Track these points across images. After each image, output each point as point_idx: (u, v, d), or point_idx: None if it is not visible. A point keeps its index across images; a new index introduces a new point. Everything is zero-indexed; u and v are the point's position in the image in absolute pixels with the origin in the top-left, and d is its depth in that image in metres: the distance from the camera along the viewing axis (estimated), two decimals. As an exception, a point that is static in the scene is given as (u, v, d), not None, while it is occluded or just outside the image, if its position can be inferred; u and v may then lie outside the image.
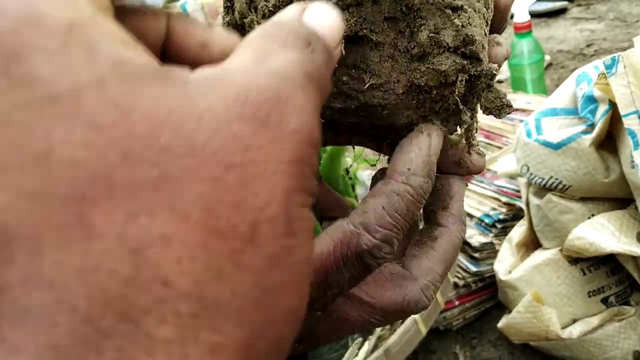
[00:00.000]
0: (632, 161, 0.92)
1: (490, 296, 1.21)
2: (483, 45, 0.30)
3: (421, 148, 0.31)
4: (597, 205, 1.03)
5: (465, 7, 0.29)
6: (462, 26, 0.29)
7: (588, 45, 2.43)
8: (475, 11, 0.30)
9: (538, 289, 1.05)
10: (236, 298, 0.16)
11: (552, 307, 1.04)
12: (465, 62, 0.30)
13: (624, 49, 2.20)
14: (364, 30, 0.30)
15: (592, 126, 0.98)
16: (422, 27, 0.29)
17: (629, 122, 0.91)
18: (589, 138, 0.97)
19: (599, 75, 0.96)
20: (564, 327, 1.04)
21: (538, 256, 1.09)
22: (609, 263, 1.07)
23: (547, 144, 1.01)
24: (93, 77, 0.16)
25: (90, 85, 0.15)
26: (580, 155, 0.98)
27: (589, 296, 1.08)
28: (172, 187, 0.16)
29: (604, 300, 1.08)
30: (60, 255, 0.14)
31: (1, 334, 0.14)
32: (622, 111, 0.92)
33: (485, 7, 0.31)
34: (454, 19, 0.29)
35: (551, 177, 1.02)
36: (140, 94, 0.16)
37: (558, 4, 2.87)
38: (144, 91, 0.16)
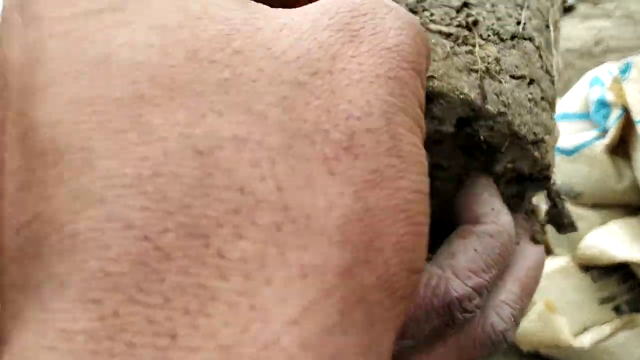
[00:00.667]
0: (646, 168, 0.91)
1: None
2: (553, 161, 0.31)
3: (489, 189, 0.29)
4: (610, 212, 1.02)
5: (545, 138, 0.29)
6: (541, 157, 0.29)
7: (596, 44, 2.41)
8: (551, 135, 0.29)
9: (549, 296, 1.04)
10: (333, 210, 0.13)
11: (563, 315, 1.03)
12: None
13: (633, 48, 2.18)
14: (435, 158, 0.30)
15: (604, 131, 0.97)
16: (500, 159, 0.29)
17: (643, 129, 0.90)
18: (601, 144, 0.95)
19: (612, 79, 0.95)
20: (575, 336, 1.03)
21: (549, 263, 1.08)
22: (620, 270, 1.06)
23: (560, 150, 1.00)
24: None
25: None
26: (593, 162, 0.97)
27: (600, 304, 1.07)
28: (248, 88, 0.14)
29: (616, 308, 1.07)
30: (112, 164, 0.12)
31: (51, 270, 0.12)
32: (635, 117, 0.91)
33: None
34: (534, 151, 0.28)
35: (562, 183, 1.01)
36: (212, 1, 0.15)
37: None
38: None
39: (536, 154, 0.28)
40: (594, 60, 2.27)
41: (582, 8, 2.87)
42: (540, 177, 0.30)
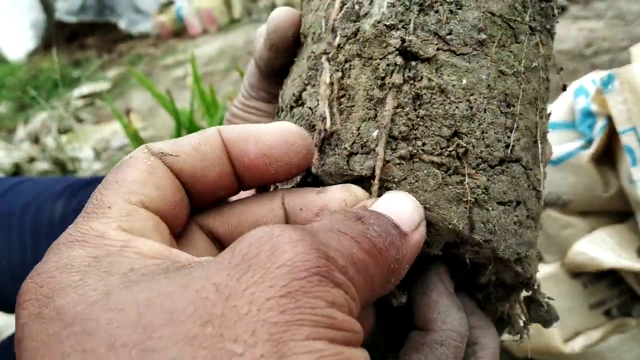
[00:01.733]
0: (630, 177, 0.92)
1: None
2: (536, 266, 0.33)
3: (437, 285, 0.31)
4: (597, 220, 1.04)
5: (528, 254, 0.30)
6: (523, 271, 0.31)
7: (587, 45, 2.42)
8: (534, 247, 0.31)
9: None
10: None
11: None
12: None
13: (624, 49, 2.19)
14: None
15: (590, 141, 0.98)
16: (484, 274, 0.31)
17: (626, 139, 0.91)
18: (587, 153, 0.97)
19: (595, 90, 0.96)
20: (566, 341, 1.04)
21: (539, 270, 1.09)
22: (610, 275, 1.07)
23: (545, 161, 1.01)
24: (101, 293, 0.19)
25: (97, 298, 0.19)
26: (579, 171, 0.98)
27: (591, 309, 1.08)
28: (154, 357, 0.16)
29: (606, 313, 1.08)
30: None
31: None
32: (619, 128, 0.92)
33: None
34: (517, 267, 0.30)
35: (550, 192, 1.02)
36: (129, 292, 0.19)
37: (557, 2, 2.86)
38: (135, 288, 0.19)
39: (519, 269, 0.30)
40: (585, 62, 2.28)
41: (573, 9, 2.88)
42: (523, 285, 0.32)
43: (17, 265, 0.58)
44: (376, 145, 0.29)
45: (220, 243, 0.30)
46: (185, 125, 1.16)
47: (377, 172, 0.29)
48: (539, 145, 0.32)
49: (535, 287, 0.33)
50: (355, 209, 0.25)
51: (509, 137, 0.30)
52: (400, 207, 0.25)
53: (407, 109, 0.29)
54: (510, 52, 0.31)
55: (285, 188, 0.31)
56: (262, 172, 0.28)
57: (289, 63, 0.38)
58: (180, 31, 6.40)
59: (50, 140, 3.34)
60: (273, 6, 5.95)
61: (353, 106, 0.30)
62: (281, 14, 0.37)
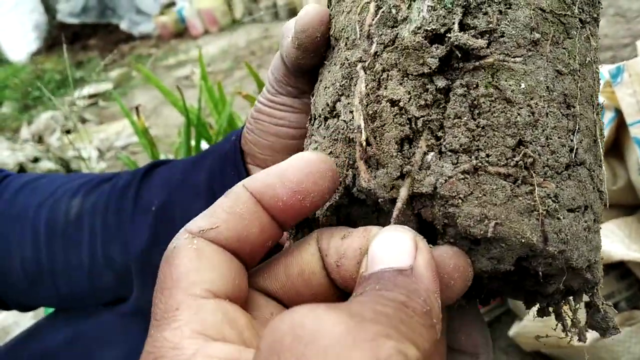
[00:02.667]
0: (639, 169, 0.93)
1: (499, 304, 1.22)
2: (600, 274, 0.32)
3: (480, 316, 0.33)
4: (606, 212, 1.04)
5: (597, 259, 0.30)
6: (593, 277, 0.30)
7: (590, 42, 2.43)
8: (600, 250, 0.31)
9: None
10: None
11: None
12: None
13: (625, 45, 2.19)
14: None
15: (598, 134, 0.99)
16: (553, 283, 0.30)
17: (635, 131, 0.92)
18: (595, 146, 0.97)
19: (604, 83, 0.97)
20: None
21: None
22: (619, 268, 1.07)
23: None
24: None
25: None
26: (588, 164, 0.99)
27: None
28: None
29: (615, 306, 1.09)
30: None
31: None
32: (628, 120, 0.93)
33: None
34: (587, 274, 0.29)
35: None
36: None
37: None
38: None
39: (589, 276, 0.29)
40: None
41: (575, 7, 2.90)
42: (588, 289, 0.31)
43: (30, 262, 0.58)
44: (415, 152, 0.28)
45: (278, 300, 0.30)
46: (193, 123, 1.16)
47: (403, 194, 0.28)
48: (599, 145, 0.31)
49: (596, 290, 0.32)
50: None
51: (572, 140, 0.29)
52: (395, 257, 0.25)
53: (465, 118, 0.27)
54: (564, 49, 0.30)
55: (319, 230, 0.31)
56: (298, 209, 0.28)
57: (318, 63, 0.37)
58: (181, 32, 6.42)
59: (54, 139, 3.35)
60: (274, 6, 5.97)
61: (384, 125, 0.29)
62: (310, 13, 0.35)
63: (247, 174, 0.47)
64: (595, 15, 0.32)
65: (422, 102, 0.28)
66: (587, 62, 0.31)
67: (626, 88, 0.92)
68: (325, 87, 0.33)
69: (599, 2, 0.33)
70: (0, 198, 0.61)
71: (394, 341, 0.20)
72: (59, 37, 7.10)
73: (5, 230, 0.59)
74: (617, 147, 1.00)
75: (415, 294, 0.23)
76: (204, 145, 1.24)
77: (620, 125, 0.96)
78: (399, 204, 0.28)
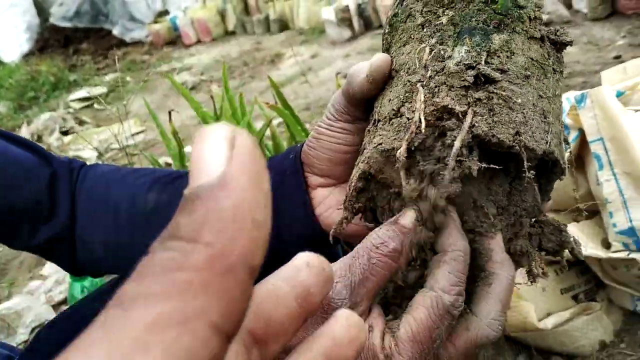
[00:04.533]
0: (597, 180, 1.10)
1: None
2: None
3: (452, 228, 0.43)
4: (569, 216, 1.20)
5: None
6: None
7: (564, 69, 2.58)
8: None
9: (518, 286, 1.19)
10: None
11: (530, 302, 1.17)
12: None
13: (596, 72, 2.35)
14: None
15: (564, 149, 1.15)
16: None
17: (594, 147, 1.08)
18: (562, 159, 1.13)
19: (570, 107, 1.14)
20: (540, 320, 1.17)
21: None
22: (579, 265, 1.23)
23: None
24: None
25: None
26: (555, 174, 1.14)
27: (562, 293, 1.22)
28: None
29: (574, 297, 1.23)
30: None
31: None
32: (589, 138, 1.09)
33: None
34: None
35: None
36: None
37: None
38: None
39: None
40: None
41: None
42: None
43: (113, 244, 0.70)
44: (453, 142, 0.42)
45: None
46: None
47: (448, 175, 0.41)
48: (563, 145, 0.46)
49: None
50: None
51: (547, 137, 0.43)
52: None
53: (485, 117, 0.42)
54: (543, 83, 0.46)
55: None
56: (319, 301, 0.28)
57: (378, 93, 0.51)
58: (174, 40, 6.49)
59: (53, 139, 3.43)
60: (267, 19, 6.08)
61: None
62: (382, 58, 0.50)
63: (305, 181, 0.61)
64: (560, 69, 0.49)
65: (463, 103, 0.43)
66: (556, 94, 0.47)
67: (588, 112, 1.09)
68: (390, 100, 0.47)
69: (562, 63, 0.49)
70: (83, 188, 0.74)
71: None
72: (51, 39, 7.13)
73: (91, 215, 0.72)
74: (580, 160, 1.16)
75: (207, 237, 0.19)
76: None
77: (583, 142, 1.12)
78: (462, 134, 0.42)
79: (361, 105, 0.54)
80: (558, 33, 0.49)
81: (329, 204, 0.61)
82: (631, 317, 1.27)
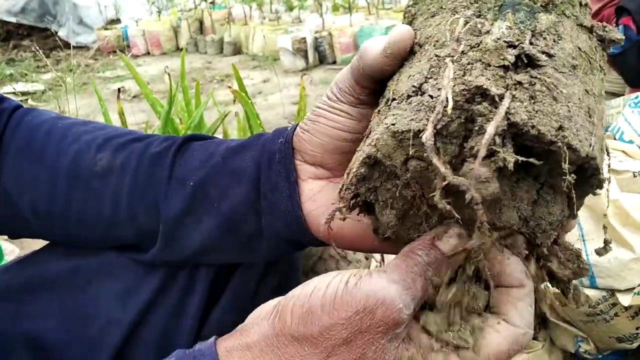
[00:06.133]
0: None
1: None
2: None
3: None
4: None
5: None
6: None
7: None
8: None
9: None
10: None
11: None
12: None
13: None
14: None
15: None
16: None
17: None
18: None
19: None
20: None
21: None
22: (524, 301, 1.21)
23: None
24: None
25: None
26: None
27: None
28: None
29: None
30: None
31: None
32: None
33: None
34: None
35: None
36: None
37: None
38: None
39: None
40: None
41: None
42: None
43: (43, 203, 0.59)
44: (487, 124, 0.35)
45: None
46: (165, 116, 1.22)
47: (482, 151, 0.34)
48: (604, 153, 0.40)
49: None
50: None
51: (591, 139, 0.37)
52: None
53: (525, 103, 0.35)
54: (590, 79, 0.40)
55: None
56: None
57: (395, 70, 0.45)
58: (122, 49, 6.38)
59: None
60: (221, 41, 6.07)
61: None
62: (403, 30, 0.44)
63: (295, 170, 0.53)
64: (605, 69, 0.44)
65: (501, 85, 0.36)
66: (601, 93, 0.42)
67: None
68: (409, 76, 0.40)
69: (607, 61, 0.44)
70: (16, 133, 0.61)
71: None
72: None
73: (19, 166, 0.60)
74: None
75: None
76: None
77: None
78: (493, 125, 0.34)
79: (371, 86, 0.47)
80: (607, 29, 0.44)
81: (319, 201, 0.52)
82: (571, 359, 1.26)
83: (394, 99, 0.41)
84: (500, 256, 0.40)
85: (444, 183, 0.34)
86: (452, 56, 0.38)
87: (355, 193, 0.42)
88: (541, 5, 0.41)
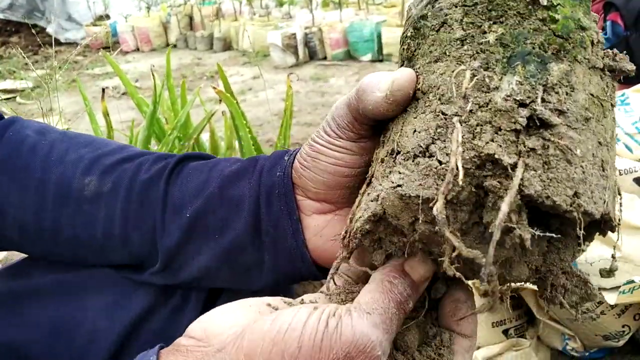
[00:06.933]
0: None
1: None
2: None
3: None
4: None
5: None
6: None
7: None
8: None
9: None
10: None
11: None
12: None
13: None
14: None
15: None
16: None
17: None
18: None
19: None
20: None
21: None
22: (512, 299, 1.21)
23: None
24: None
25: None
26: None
27: (493, 326, 1.20)
28: None
29: (505, 332, 1.21)
30: None
31: None
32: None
33: None
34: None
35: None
36: None
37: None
38: None
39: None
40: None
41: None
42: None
43: (30, 224, 0.58)
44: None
45: None
46: (150, 117, 1.21)
47: (495, 235, 0.32)
48: (617, 198, 0.39)
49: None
50: None
51: (605, 195, 0.36)
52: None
53: (539, 172, 0.34)
54: (602, 125, 0.38)
55: None
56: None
57: (397, 114, 0.43)
58: (112, 45, 6.34)
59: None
60: (210, 37, 6.03)
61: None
62: (405, 75, 0.42)
63: (297, 205, 0.52)
64: (615, 102, 0.42)
65: (513, 151, 0.35)
66: (613, 136, 0.40)
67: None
68: (416, 132, 0.39)
69: (616, 90, 0.42)
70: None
71: None
72: (-21, 28, 6.79)
73: (2, 184, 0.58)
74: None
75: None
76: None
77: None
78: (509, 197, 0.33)
79: (370, 122, 0.46)
80: (617, 58, 0.41)
81: (327, 235, 0.52)
82: (558, 357, 1.27)
83: (399, 152, 0.39)
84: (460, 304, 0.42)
85: (455, 253, 0.34)
86: (460, 115, 0.37)
87: (360, 244, 0.41)
88: (552, 54, 0.38)
